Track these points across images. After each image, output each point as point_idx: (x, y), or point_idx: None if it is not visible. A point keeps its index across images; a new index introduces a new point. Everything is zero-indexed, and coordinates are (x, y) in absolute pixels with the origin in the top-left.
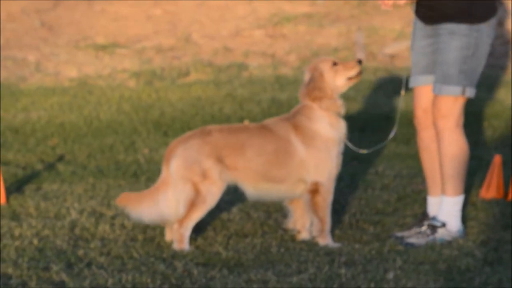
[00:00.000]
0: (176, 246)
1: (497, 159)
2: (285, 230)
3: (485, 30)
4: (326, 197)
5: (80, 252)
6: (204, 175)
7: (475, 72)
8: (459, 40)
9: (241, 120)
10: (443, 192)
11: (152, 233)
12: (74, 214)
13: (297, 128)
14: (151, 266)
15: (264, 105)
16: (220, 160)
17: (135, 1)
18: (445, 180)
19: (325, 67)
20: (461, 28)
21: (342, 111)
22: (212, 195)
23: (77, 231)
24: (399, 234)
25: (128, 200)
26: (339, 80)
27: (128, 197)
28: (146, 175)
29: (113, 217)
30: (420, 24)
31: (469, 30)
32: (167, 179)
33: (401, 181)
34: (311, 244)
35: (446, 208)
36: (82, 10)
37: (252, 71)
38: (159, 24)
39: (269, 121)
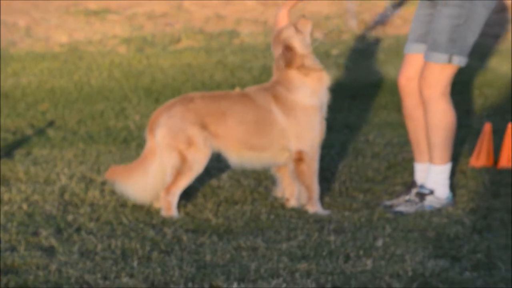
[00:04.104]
0: (164, 213)
1: (487, 127)
2: (275, 198)
3: (480, 0)
4: (311, 165)
5: (70, 218)
6: (190, 143)
7: (465, 41)
8: (452, 10)
9: (232, 87)
10: (430, 160)
11: None
12: (63, 180)
13: (277, 98)
14: (140, 232)
15: (255, 72)
16: (204, 127)
17: None
18: (431, 149)
19: (291, 33)
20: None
21: (323, 71)
22: (198, 162)
23: (66, 196)
24: (388, 202)
25: (117, 173)
26: (306, 39)
27: (117, 171)
28: (136, 141)
29: (103, 183)
30: None
31: (462, 1)
32: (153, 148)
33: (392, 149)
34: (300, 212)
35: (433, 176)
36: None
37: (243, 39)
38: None
39: (250, 90)
